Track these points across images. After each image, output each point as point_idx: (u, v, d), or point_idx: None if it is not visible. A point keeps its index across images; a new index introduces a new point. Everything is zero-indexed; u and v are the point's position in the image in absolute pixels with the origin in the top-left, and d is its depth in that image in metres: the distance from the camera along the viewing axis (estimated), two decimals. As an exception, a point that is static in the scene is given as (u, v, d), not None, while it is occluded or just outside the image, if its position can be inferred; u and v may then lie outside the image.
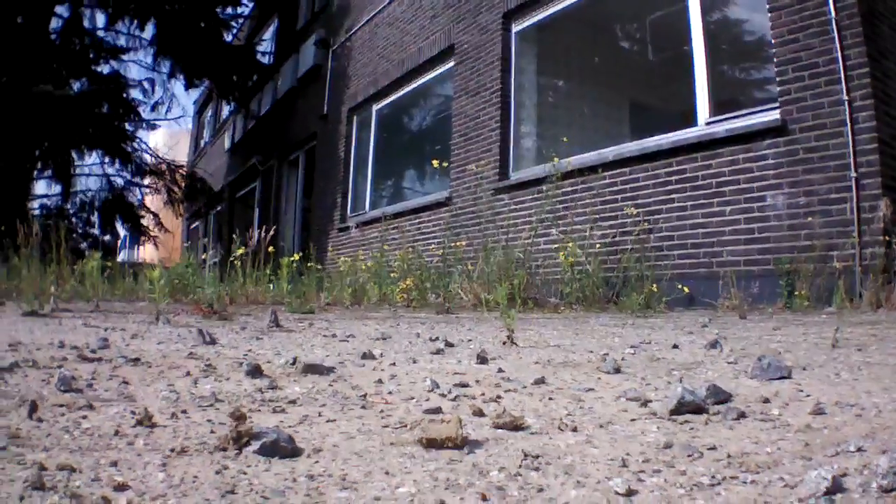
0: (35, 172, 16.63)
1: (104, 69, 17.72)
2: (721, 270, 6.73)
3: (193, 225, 25.77)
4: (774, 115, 6.52)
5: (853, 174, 5.88)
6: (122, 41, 17.96)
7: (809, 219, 6.13)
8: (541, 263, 8.19)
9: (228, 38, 18.85)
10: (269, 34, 22.49)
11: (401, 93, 13.25)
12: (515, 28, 10.14)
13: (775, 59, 6.59)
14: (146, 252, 20.02)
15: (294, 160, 18.33)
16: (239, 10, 19.15)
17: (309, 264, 9.13)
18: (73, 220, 17.30)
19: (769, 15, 6.66)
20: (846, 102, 5.98)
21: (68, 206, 17.50)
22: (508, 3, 10.04)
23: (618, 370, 2.59)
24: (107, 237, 18.34)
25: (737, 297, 6.21)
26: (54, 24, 16.37)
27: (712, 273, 6.81)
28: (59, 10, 16.56)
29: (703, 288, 6.84)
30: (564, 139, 9.31)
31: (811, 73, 6.27)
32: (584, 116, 10.93)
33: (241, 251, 8.03)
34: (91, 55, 17.29)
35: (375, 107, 14.08)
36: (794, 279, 6.03)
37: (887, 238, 5.64)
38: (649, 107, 9.70)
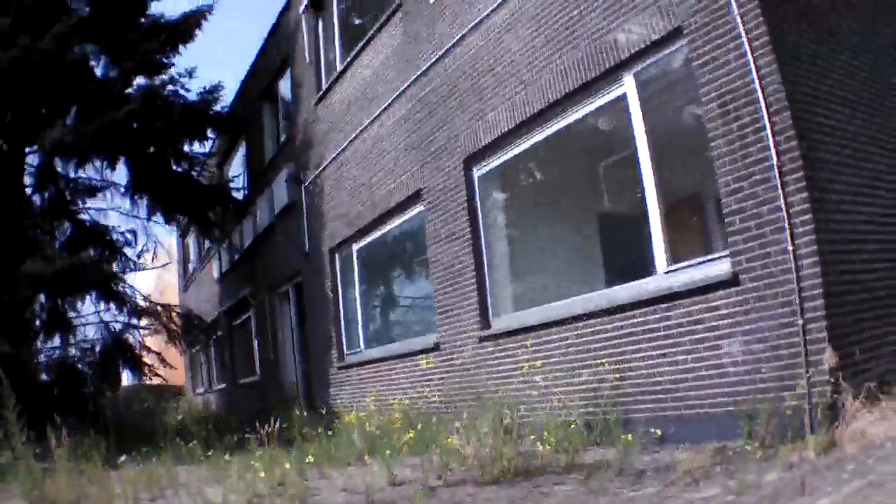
0: (36, 325, 16.93)
1: (85, 216, 18.26)
2: (689, 413, 7.08)
3: (196, 349, 25.93)
4: (726, 267, 6.81)
5: (800, 321, 6.15)
6: (97, 183, 18.27)
7: (762, 365, 6.44)
8: (527, 412, 8.44)
9: (196, 174, 19.29)
10: (238, 160, 23.06)
11: (378, 234, 13.46)
12: (478, 173, 10.42)
13: (723, 210, 6.86)
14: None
15: (284, 293, 18.59)
16: (205, 143, 19.44)
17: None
18: (79, 367, 17.40)
19: (715, 163, 6.89)
20: (791, 251, 6.25)
21: (72, 355, 17.66)
22: (466, 148, 10.35)
23: None
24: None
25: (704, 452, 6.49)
26: (28, 180, 16.98)
27: (681, 416, 7.14)
28: (29, 159, 17.12)
29: (676, 429, 7.17)
30: (540, 286, 9.69)
31: (756, 223, 6.51)
32: (558, 259, 11.15)
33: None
34: (69, 197, 17.72)
35: (355, 246, 14.29)
36: (751, 422, 6.31)
37: (833, 382, 5.92)
38: (614, 250, 9.95)
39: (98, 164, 17.61)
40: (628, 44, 7.81)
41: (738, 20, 6.56)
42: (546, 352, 8.81)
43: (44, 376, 15.67)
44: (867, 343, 6.43)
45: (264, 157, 20.12)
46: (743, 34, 6.54)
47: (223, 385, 25.78)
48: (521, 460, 6.90)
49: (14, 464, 7.42)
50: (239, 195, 21.19)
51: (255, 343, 20.72)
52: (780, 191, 6.32)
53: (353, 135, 13.94)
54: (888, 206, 7.18)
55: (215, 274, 24.43)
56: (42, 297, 16.58)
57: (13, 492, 7.07)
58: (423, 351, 11.41)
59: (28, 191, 16.92)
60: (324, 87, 15.62)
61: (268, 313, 19.54)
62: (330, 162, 15.08)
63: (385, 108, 12.75)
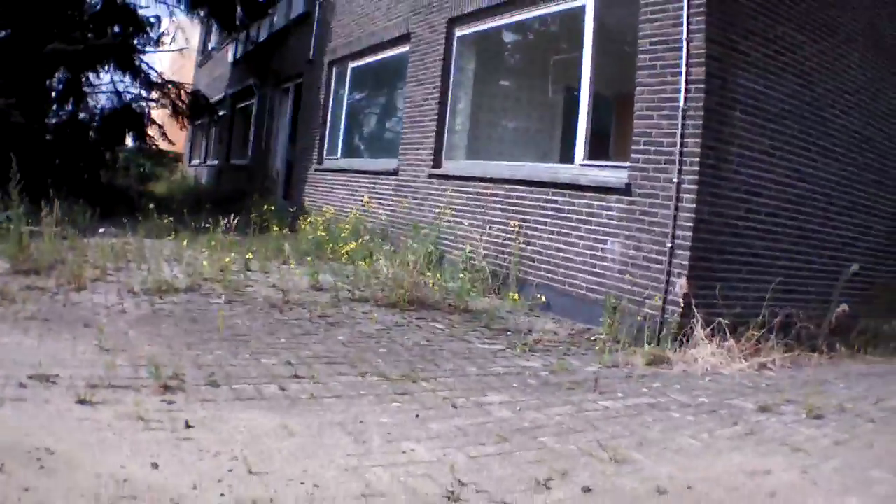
0: (52, 94, 17.41)
1: None
2: (571, 291, 8.10)
3: (198, 122, 26.74)
4: (623, 176, 7.62)
5: (670, 244, 6.99)
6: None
7: (633, 270, 7.36)
8: (451, 247, 9.65)
9: None
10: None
11: (371, 59, 14.27)
12: (458, 33, 11.14)
13: (634, 129, 7.59)
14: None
15: (286, 90, 19.31)
16: None
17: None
18: (89, 132, 17.83)
19: (637, 89, 7.55)
20: (675, 183, 6.98)
21: (81, 116, 18.04)
22: (453, 10, 11.05)
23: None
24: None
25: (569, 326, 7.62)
26: None
27: (565, 291, 8.17)
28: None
29: (559, 301, 8.23)
30: (485, 143, 10.62)
31: (656, 150, 7.25)
32: (505, 126, 12.15)
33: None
34: None
35: (351, 64, 15.10)
36: (613, 316, 7.26)
37: (683, 306, 6.81)
38: (549, 133, 10.75)
39: None
40: None
41: None
42: (476, 201, 9.85)
43: (49, 137, 16.11)
44: (731, 285, 7.13)
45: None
46: None
47: (216, 161, 26.25)
48: (423, 292, 8.06)
49: (6, 229, 7.99)
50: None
51: (252, 129, 21.62)
52: (680, 130, 7.02)
53: (367, -33, 14.59)
54: (774, 174, 7.65)
55: (230, 58, 24.98)
56: (62, 70, 17.05)
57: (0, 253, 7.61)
58: (384, 172, 12.54)
59: None
60: None
61: (268, 105, 20.40)
62: (345, -16, 15.72)
63: (395, -47, 13.40)
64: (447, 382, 5.18)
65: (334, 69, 15.89)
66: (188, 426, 3.74)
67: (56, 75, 17.25)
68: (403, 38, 12.65)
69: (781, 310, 7.38)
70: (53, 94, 17.58)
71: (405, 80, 12.33)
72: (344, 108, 15.48)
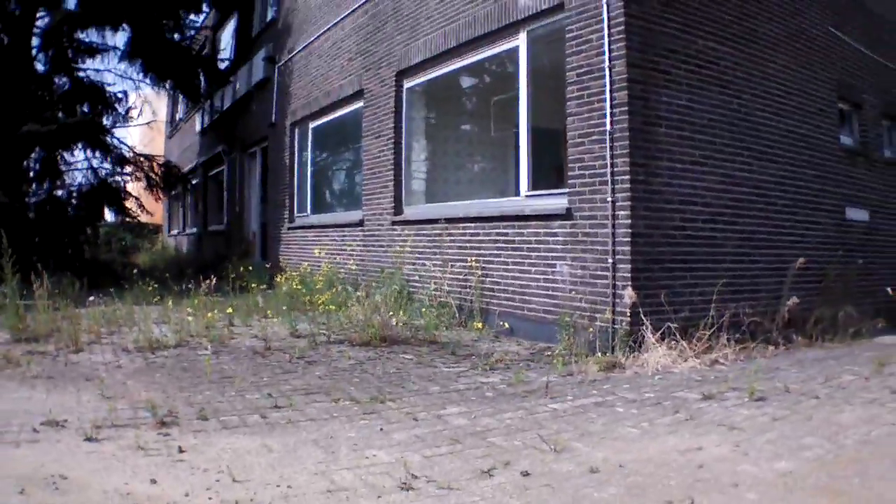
0: (30, 174, 18.07)
1: (82, 74, 19.12)
2: (530, 314, 8.64)
3: (174, 192, 27.27)
4: (564, 202, 8.17)
5: (610, 259, 7.52)
6: (97, 45, 19.12)
7: (582, 288, 7.90)
8: (418, 287, 10.20)
9: (188, 42, 20.43)
10: (229, 32, 23.74)
11: (330, 118, 14.90)
12: (407, 84, 11.79)
13: (568, 156, 8.18)
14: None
15: (253, 154, 19.90)
16: (199, 15, 20.38)
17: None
18: (65, 207, 18.31)
19: (568, 118, 8.14)
20: (610, 202, 7.52)
21: (59, 194, 18.63)
22: (400, 63, 11.70)
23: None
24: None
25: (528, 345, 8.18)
26: (34, 41, 17.72)
27: (525, 315, 8.71)
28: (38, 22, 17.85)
29: (520, 325, 8.77)
30: (441, 186, 11.25)
31: (590, 174, 7.78)
32: (455, 168, 12.82)
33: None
34: (70, 55, 18.60)
35: (311, 124, 15.72)
36: (570, 332, 7.75)
37: (631, 316, 7.33)
38: (495, 170, 11.36)
39: (100, 28, 18.48)
40: (524, 6, 9.08)
41: (605, 7, 7.58)
42: (436, 242, 10.41)
43: (31, 215, 16.61)
44: (675, 290, 7.61)
45: (251, 33, 21.22)
46: (606, 20, 7.57)
47: (195, 229, 26.41)
48: (393, 331, 8.59)
49: (2, 303, 8.44)
50: (224, 64, 22.27)
51: (225, 195, 22.16)
52: (609, 152, 7.58)
53: (320, 31, 15.26)
54: (707, 182, 8.15)
55: (197, 127, 25.62)
56: (37, 149, 17.65)
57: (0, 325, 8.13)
58: (350, 224, 13.15)
59: (34, 52, 17.84)
60: (304, -20, 16.86)
61: (237, 170, 20.98)
62: (300, 49, 16.40)
63: (346, 16, 14.03)
64: (411, 401, 5.72)
65: (296, 130, 16.51)
66: (181, 451, 4.27)
67: (32, 155, 17.90)
68: (357, 95, 13.29)
69: (730, 309, 7.86)
70: (31, 173, 18.26)
71: (362, 135, 12.94)
72: (309, 166, 16.13)
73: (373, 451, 4.40)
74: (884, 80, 12.04)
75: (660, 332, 7.33)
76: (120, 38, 21.25)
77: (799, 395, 5.91)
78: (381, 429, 4.91)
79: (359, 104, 13.30)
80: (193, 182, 25.70)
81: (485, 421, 5.17)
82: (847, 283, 9.94)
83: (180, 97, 26.22)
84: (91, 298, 9.75)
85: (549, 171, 8.82)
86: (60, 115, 17.38)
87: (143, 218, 21.75)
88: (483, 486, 3.85)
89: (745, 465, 4.20)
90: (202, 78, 20.85)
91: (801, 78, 9.81)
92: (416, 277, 10.42)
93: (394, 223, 11.62)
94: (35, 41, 17.83)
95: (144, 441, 4.39)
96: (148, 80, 20.05)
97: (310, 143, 16.08)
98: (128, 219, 20.31)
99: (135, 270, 14.09)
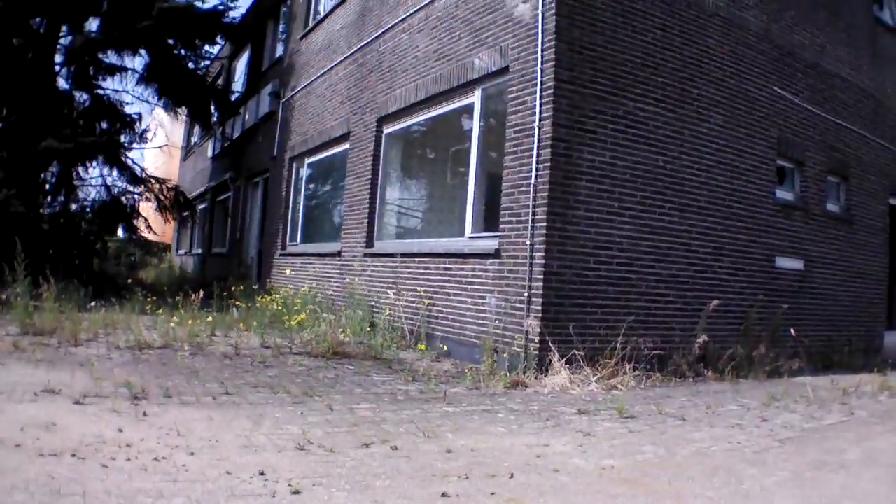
0: (46, 187, 19.04)
1: (102, 92, 20.17)
2: (465, 339, 9.90)
3: (185, 213, 28.51)
4: (495, 243, 9.39)
5: (526, 294, 8.73)
6: (117, 65, 20.21)
7: (504, 317, 9.14)
8: (379, 312, 11.53)
9: (202, 72, 21.44)
10: (243, 63, 25.30)
11: (323, 155, 16.32)
12: (386, 130, 13.18)
13: (501, 204, 9.36)
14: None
15: (256, 183, 21.26)
16: (214, 46, 21.46)
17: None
18: (78, 220, 19.25)
19: (503, 171, 9.16)
20: (529, 245, 8.51)
21: (73, 208, 19.66)
22: (380, 111, 13.10)
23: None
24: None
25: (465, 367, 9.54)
26: (57, 58, 18.78)
27: (461, 340, 9.97)
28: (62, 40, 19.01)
29: (457, 348, 10.01)
30: (406, 224, 12.68)
31: (517, 220, 8.75)
32: (420, 209, 14.20)
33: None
34: (92, 72, 19.69)
35: (307, 160, 17.14)
36: (495, 354, 9.03)
37: (539, 343, 8.52)
38: (450, 212, 12.39)
39: (119, 51, 19.72)
40: (479, 68, 10.34)
41: (539, 72, 8.58)
42: (396, 273, 11.78)
43: (45, 226, 17.31)
44: (584, 323, 8.63)
45: (261, 67, 22.77)
46: (539, 83, 8.56)
47: (200, 251, 27.89)
48: (347, 347, 9.95)
49: (14, 302, 9.57)
50: (236, 95, 23.78)
51: (229, 220, 23.58)
52: (532, 202, 8.76)
53: (318, 74, 16.77)
54: (625, 231, 9.14)
55: (209, 153, 27.01)
56: (54, 163, 18.68)
57: (10, 321, 9.29)
58: (331, 254, 14.55)
59: (56, 68, 18.92)
60: (309, 25, 18.31)
61: (242, 197, 22.41)
62: (301, 88, 17.91)
63: (340, 62, 15.49)
64: (334, 397, 7.06)
65: (294, 164, 17.96)
66: (145, 415, 5.65)
67: (49, 169, 18.97)
68: (345, 136, 14.72)
69: (639, 342, 8.96)
70: (47, 186, 19.27)
71: (347, 173, 14.38)
72: (302, 198, 17.56)
73: (288, 426, 5.75)
74: (832, 137, 12.98)
75: (565, 359, 8.49)
76: (139, 62, 22.39)
77: (669, 416, 7.01)
78: (302, 413, 6.28)
79: (346, 145, 14.69)
80: (202, 206, 26.83)
81: (385, 415, 6.51)
82: (771, 326, 10.97)
83: (196, 126, 27.39)
84: (93, 304, 11.08)
85: (494, 215, 9.85)
86: (79, 131, 18.38)
87: (152, 237, 22.90)
88: (358, 453, 5.19)
89: (576, 459, 5.35)
90: (214, 106, 22.11)
91: (737, 136, 10.84)
92: (379, 304, 11.71)
93: (365, 255, 12.97)
94: (58, 58, 18.90)
95: (119, 407, 5.77)
96: (162, 104, 21.33)
97: (304, 177, 17.53)
98: (136, 236, 21.41)
99: (137, 284, 15.46)
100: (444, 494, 4.40)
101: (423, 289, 10.86)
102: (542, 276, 8.56)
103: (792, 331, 10.57)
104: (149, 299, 12.30)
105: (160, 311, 11.11)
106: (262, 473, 4.45)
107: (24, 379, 6.49)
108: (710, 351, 9.83)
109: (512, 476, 4.85)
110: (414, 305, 10.97)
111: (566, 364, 8.49)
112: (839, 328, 13.01)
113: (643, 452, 5.64)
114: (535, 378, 8.44)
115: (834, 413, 7.44)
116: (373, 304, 11.81)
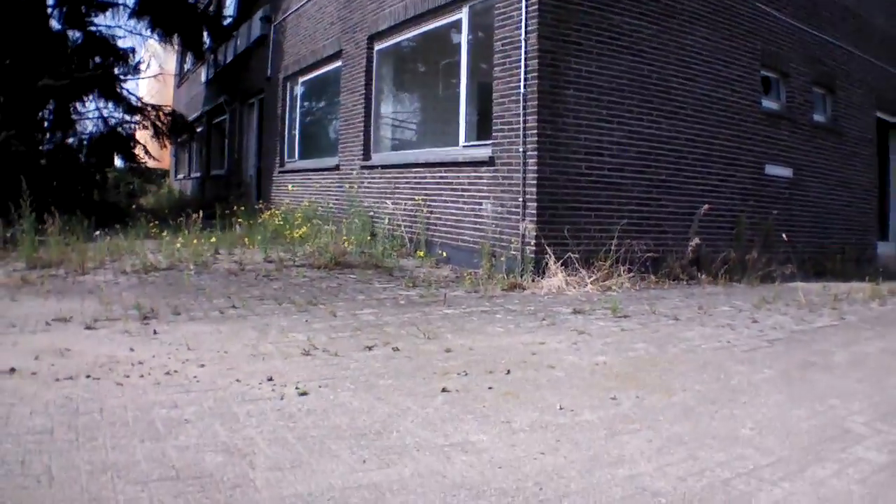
0: (44, 124, 19.09)
1: (94, 29, 20.06)
2: (463, 245, 10.12)
3: (180, 139, 28.48)
4: (488, 151, 9.61)
5: (521, 199, 8.98)
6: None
7: (501, 222, 9.37)
8: (379, 223, 11.70)
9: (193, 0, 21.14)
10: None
11: (316, 74, 16.41)
12: (377, 47, 13.25)
13: (493, 114, 9.58)
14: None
15: (251, 104, 21.29)
16: None
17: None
18: (80, 156, 19.38)
19: (494, 82, 9.55)
20: (522, 152, 8.95)
21: (70, 142, 19.70)
22: (371, 29, 13.14)
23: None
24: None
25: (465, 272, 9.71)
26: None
27: (458, 246, 10.19)
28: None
29: (455, 254, 10.23)
30: (401, 136, 12.77)
31: (509, 128, 9.19)
32: (413, 121, 14.36)
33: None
34: (83, 10, 19.57)
35: (301, 79, 17.22)
36: (493, 258, 9.27)
37: (535, 246, 8.79)
38: (443, 123, 12.54)
39: None
40: None
41: None
42: (394, 184, 11.97)
43: (44, 162, 17.47)
44: (578, 226, 8.94)
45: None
46: (524, 0, 8.81)
47: (199, 174, 28.16)
48: (348, 258, 10.12)
49: (20, 238, 9.65)
50: (228, 21, 23.56)
51: (226, 142, 23.67)
52: (522, 111, 8.99)
53: (310, -3, 16.80)
54: (614, 137, 9.38)
55: (203, 78, 26.99)
56: (51, 101, 18.65)
57: (17, 258, 9.28)
58: (329, 169, 14.73)
59: (48, 10, 18.86)
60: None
61: (238, 119, 22.44)
62: (293, 11, 17.84)
63: (330, -16, 15.52)
64: (338, 305, 7.26)
65: (288, 84, 18.00)
66: (155, 333, 5.82)
67: (47, 107, 19.02)
68: (337, 55, 14.78)
69: (633, 245, 9.23)
70: (45, 124, 19.33)
71: (340, 90, 14.42)
72: (298, 117, 17.72)
73: (294, 334, 5.94)
74: (816, 51, 13.22)
75: (561, 261, 8.75)
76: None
77: (662, 316, 7.21)
78: (306, 321, 6.46)
79: (338, 63, 14.76)
80: (198, 130, 26.89)
81: (387, 319, 6.71)
82: (763, 231, 11.22)
83: (189, 53, 27.22)
84: (97, 233, 11.19)
85: (487, 124, 9.97)
86: (74, 68, 18.37)
87: (151, 163, 23.00)
88: (361, 355, 5.38)
89: (570, 356, 5.56)
90: (206, 34, 22.09)
91: (722, 48, 11.00)
92: (379, 215, 11.88)
93: (363, 167, 13.13)
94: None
95: (129, 328, 5.93)
96: (155, 36, 21.20)
97: (299, 96, 17.65)
98: (135, 164, 21.42)
99: (139, 211, 15.57)
100: (444, 390, 4.58)
101: (420, 198, 11.02)
102: (535, 182, 8.88)
103: (784, 236, 10.90)
104: (152, 224, 12.37)
105: (164, 235, 11.18)
106: (270, 379, 4.62)
107: (35, 310, 6.61)
108: (702, 255, 10.07)
109: (509, 372, 5.06)
110: (412, 214, 11.16)
111: (562, 266, 8.74)
112: (831, 236, 13.38)
113: (635, 350, 5.84)
114: (532, 280, 8.69)
115: (824, 317, 7.58)
116: (372, 214, 11.98)
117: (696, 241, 9.90)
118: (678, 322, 6.95)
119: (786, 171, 12.24)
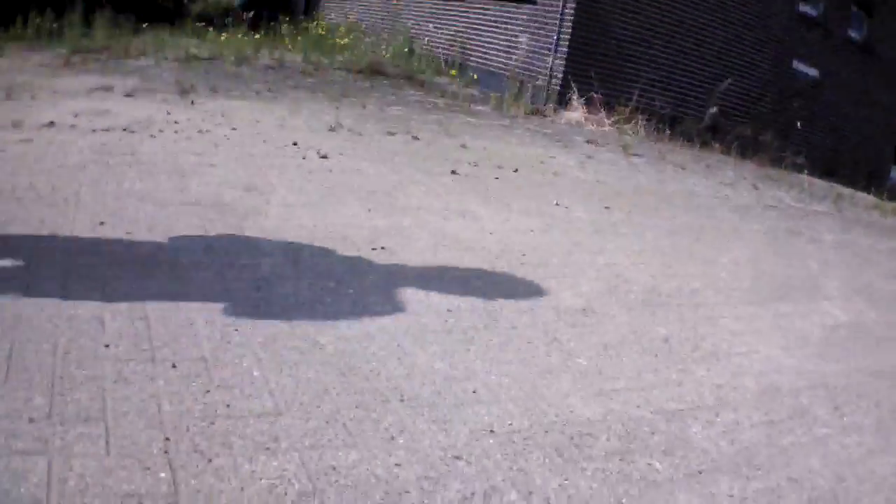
0: None
1: None
2: (494, 70, 10.19)
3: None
4: None
5: (555, 38, 9.06)
6: None
7: (532, 55, 9.46)
8: (419, 43, 11.73)
9: None
10: None
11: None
12: None
13: None
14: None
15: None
16: None
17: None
18: None
19: None
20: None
21: None
22: None
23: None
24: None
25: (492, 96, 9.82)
26: None
27: (490, 71, 10.27)
28: None
29: (486, 78, 10.25)
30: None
31: None
32: None
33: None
34: None
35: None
36: (521, 86, 9.38)
37: (562, 81, 8.93)
38: None
39: None
40: None
41: None
42: (436, 10, 11.89)
43: None
44: (606, 70, 9.02)
45: None
46: None
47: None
48: (385, 67, 10.20)
49: (68, 29, 9.68)
50: None
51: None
52: None
53: None
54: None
55: None
56: None
57: (62, 45, 9.39)
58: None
59: None
60: None
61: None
62: None
63: None
64: (369, 100, 7.48)
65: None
66: (193, 103, 6.06)
67: None
68: None
69: (655, 99, 9.37)
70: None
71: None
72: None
73: (323, 116, 6.17)
74: None
75: (584, 98, 8.85)
76: None
77: (669, 163, 7.36)
78: (337, 107, 6.69)
79: None
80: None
81: (413, 116, 6.94)
82: (781, 118, 11.21)
83: None
84: (144, 26, 11.29)
85: None
86: None
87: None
88: (382, 137, 5.65)
89: (576, 172, 5.84)
90: None
91: None
92: (419, 34, 11.87)
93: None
94: None
95: (167, 98, 6.15)
96: None
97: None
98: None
99: (187, 14, 15.56)
100: (454, 172, 4.82)
101: (462, 24, 11.02)
102: (571, 24, 8.95)
103: (798, 124, 10.91)
104: (199, 24, 12.39)
105: (208, 33, 11.21)
106: (295, 144, 4.88)
107: (75, 84, 6.74)
108: (719, 125, 10.10)
109: (516, 170, 5.33)
110: (452, 38, 11.14)
111: (584, 103, 8.85)
112: (846, 145, 13.31)
113: (637, 179, 6.11)
114: (554, 111, 8.86)
115: (823, 205, 7.59)
116: (413, 34, 11.86)
117: (715, 109, 10.02)
118: (684, 170, 7.14)
119: (812, 71, 12.14)
